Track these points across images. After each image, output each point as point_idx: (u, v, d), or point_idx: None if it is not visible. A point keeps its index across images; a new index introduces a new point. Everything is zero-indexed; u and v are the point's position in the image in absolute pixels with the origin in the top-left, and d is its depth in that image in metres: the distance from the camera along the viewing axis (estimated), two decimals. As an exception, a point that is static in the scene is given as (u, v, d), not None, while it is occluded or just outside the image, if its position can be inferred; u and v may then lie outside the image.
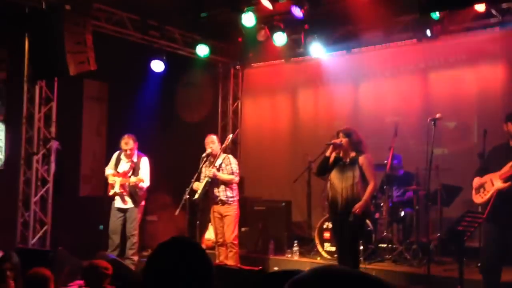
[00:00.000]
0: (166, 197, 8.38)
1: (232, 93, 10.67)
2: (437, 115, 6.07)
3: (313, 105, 9.81)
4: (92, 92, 9.44)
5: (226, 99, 10.70)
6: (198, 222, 6.96)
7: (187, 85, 9.71)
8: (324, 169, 6.01)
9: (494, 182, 5.19)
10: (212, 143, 7.00)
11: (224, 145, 7.05)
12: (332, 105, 9.53)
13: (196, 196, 6.84)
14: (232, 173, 6.96)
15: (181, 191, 6.91)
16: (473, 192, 5.41)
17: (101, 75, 8.45)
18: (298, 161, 8.76)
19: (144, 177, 7.23)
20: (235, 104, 10.73)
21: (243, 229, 8.48)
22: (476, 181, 5.38)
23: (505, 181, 5.15)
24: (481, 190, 5.31)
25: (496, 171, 5.26)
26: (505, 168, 5.17)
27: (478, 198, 5.36)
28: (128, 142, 7.20)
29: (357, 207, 5.84)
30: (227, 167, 6.98)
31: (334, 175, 5.96)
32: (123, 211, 7.29)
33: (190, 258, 1.92)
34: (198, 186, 6.91)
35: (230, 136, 7.37)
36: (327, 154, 5.96)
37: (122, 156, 7.36)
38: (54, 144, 7.76)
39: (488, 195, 5.20)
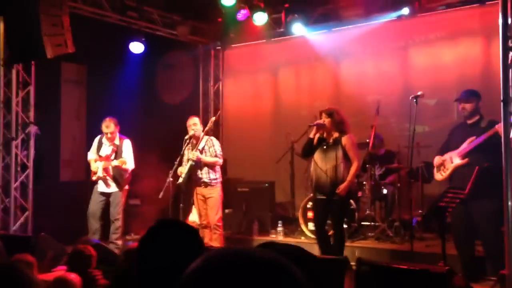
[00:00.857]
0: (149, 180, 8.17)
1: (213, 74, 10.52)
2: (419, 93, 6.07)
3: (294, 85, 9.70)
4: (70, 75, 9.22)
5: (207, 80, 10.51)
6: (181, 205, 6.90)
7: (167, 66, 9.56)
8: (309, 151, 5.99)
9: (453, 159, 5.33)
10: (195, 125, 6.92)
11: (207, 128, 6.98)
12: (314, 84, 9.44)
13: (180, 180, 6.77)
14: (216, 156, 6.89)
15: (163, 174, 6.85)
16: (435, 170, 5.51)
17: (79, 58, 8.24)
18: (280, 142, 8.65)
19: (128, 159, 7.12)
20: (216, 85, 10.56)
21: (226, 210, 8.39)
22: (437, 159, 5.54)
23: (463, 157, 5.26)
24: (441, 168, 5.48)
25: (455, 149, 5.39)
26: (464, 145, 5.26)
27: (438, 176, 5.56)
28: (109, 125, 7.09)
29: (341, 188, 5.83)
30: (210, 149, 6.92)
31: (317, 156, 5.93)
32: (106, 195, 7.20)
33: (182, 239, 1.92)
34: (182, 170, 6.84)
35: (213, 118, 7.46)
36: (311, 135, 5.92)
37: (104, 140, 7.24)
38: (33, 129, 7.61)
39: (448, 172, 5.39)
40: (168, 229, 1.96)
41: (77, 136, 9.24)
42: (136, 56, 8.87)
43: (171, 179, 6.61)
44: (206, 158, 6.83)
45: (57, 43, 6.56)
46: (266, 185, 8.65)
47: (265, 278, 1.00)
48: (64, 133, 9.11)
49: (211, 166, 6.89)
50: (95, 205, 7.11)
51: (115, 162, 6.97)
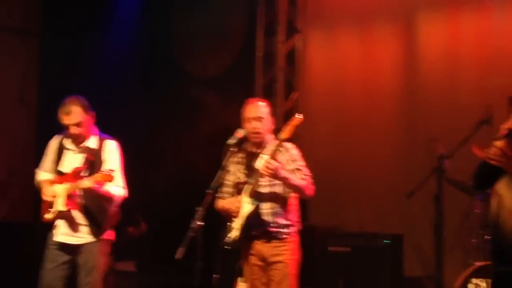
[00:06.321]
0: (154, 223, 6.92)
1: (284, 20, 7.72)
2: None
3: (446, 44, 6.85)
4: (6, 20, 7.53)
5: (272, 31, 7.79)
6: (214, 275, 5.20)
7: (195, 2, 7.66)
8: (489, 178, 4.02)
9: None
10: (259, 119, 4.78)
11: (288, 129, 4.70)
12: (487, 44, 6.54)
13: (232, 234, 4.81)
14: (304, 177, 4.93)
15: (183, 210, 5.12)
16: None
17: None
18: (416, 155, 6.60)
19: (115, 173, 5.12)
20: (292, 41, 7.72)
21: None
22: None
23: None
24: None
25: None
26: None
27: None
28: (71, 111, 5.12)
29: None
30: (287, 164, 4.98)
31: (505, 187, 3.92)
32: (71, 250, 5.09)
33: None
34: (226, 203, 4.85)
35: (300, 116, 4.69)
36: (490, 156, 3.91)
37: (67, 143, 5.33)
38: None
39: None
40: None
41: (21, 134, 7.73)
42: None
43: (199, 223, 4.66)
44: (291, 176, 4.84)
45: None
46: (386, 242, 6.61)
47: None
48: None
49: (286, 198, 4.89)
50: (52, 272, 5.24)
51: (86, 183, 5.01)
